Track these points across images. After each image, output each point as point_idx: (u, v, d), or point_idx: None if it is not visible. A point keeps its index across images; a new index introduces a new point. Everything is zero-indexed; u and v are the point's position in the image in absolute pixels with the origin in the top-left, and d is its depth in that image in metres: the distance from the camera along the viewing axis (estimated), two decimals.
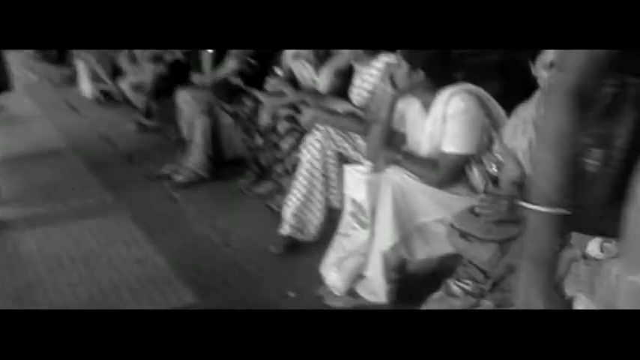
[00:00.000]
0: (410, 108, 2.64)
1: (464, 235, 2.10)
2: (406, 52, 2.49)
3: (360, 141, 3.01)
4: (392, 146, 2.63)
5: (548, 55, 2.02)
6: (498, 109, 2.50)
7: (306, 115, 3.31)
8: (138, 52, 5.75)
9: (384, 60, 3.02)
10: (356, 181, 2.66)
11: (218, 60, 4.39)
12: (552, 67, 1.97)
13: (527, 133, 2.15)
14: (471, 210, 2.15)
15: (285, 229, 3.10)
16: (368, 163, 2.67)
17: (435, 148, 2.49)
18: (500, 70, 3.36)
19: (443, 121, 2.45)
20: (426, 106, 2.54)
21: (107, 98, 6.54)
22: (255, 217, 3.60)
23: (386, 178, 2.45)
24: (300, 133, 3.42)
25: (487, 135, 2.45)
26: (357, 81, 3.19)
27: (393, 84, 2.59)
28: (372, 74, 3.08)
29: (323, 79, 3.54)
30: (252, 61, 4.24)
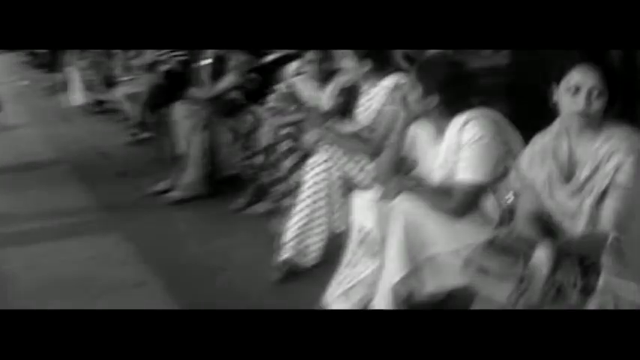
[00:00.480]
0: (422, 133, 2.53)
1: (482, 269, 1.98)
2: (421, 74, 2.39)
3: (366, 163, 2.90)
4: (402, 172, 2.53)
5: (573, 78, 1.87)
6: (516, 136, 2.40)
7: (310, 135, 3.20)
8: (133, 62, 5.65)
9: (392, 80, 2.92)
10: (365, 208, 2.54)
11: (217, 73, 4.28)
12: (578, 92, 1.85)
13: (545, 165, 2.03)
14: (491, 242, 2.03)
15: (285, 254, 2.98)
16: (377, 188, 2.55)
17: (448, 175, 2.38)
18: (514, 93, 3.24)
19: (458, 147, 2.34)
20: (440, 131, 2.43)
21: (99, 108, 6.42)
22: (254, 239, 3.47)
23: (397, 206, 2.33)
24: (302, 153, 3.32)
25: (503, 163, 2.34)
26: (362, 100, 3.08)
27: (406, 107, 2.48)
28: (379, 94, 2.97)
29: (327, 97, 3.44)
30: (254, 76, 4.15)
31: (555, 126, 2.04)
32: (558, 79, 1.90)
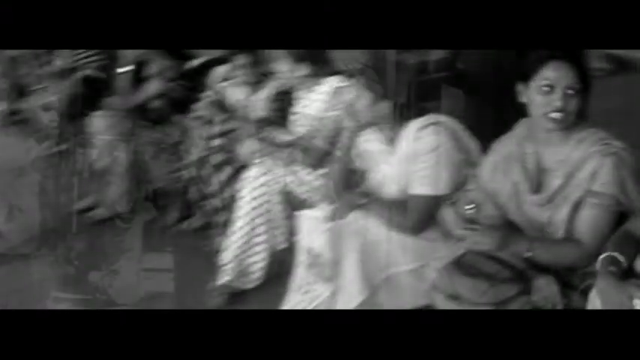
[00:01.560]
0: (372, 143, 2.34)
1: (452, 296, 1.78)
2: (369, 82, 2.22)
3: (305, 175, 2.72)
4: (352, 187, 2.33)
5: (546, 75, 1.68)
6: (472, 143, 2.23)
7: (244, 147, 2.97)
8: (47, 68, 5.26)
9: (331, 83, 2.73)
10: (312, 228, 2.33)
11: (139, 80, 4.00)
12: (552, 91, 1.67)
13: (511, 174, 1.85)
14: (457, 263, 1.84)
15: (224, 277, 2.72)
16: (325, 205, 2.35)
17: (402, 189, 2.21)
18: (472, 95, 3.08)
19: (413, 157, 2.17)
20: (392, 140, 2.25)
21: (11, 119, 5.97)
22: (187, 259, 3.25)
23: (349, 225, 2.15)
24: (236, 165, 3.09)
25: (462, 173, 2.18)
26: (299, 107, 2.88)
27: (353, 115, 2.29)
28: (317, 100, 2.77)
29: (259, 105, 3.21)
30: (179, 83, 3.90)
31: (519, 130, 1.88)
32: (527, 78, 1.72)
